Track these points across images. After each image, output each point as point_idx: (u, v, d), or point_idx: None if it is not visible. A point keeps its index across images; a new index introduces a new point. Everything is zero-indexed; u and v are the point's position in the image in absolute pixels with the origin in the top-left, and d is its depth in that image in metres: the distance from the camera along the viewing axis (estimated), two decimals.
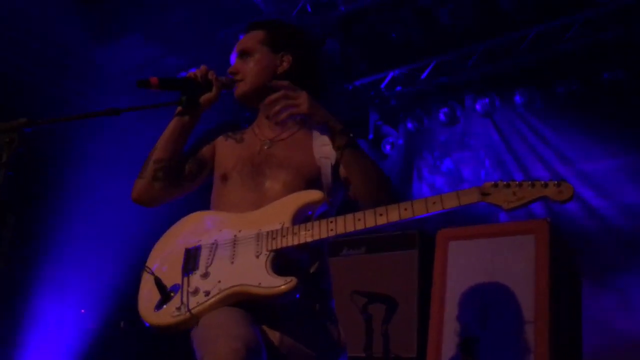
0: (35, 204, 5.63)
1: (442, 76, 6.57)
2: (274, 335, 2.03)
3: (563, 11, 5.68)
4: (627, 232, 5.82)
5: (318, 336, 2.13)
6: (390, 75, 6.76)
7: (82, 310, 5.97)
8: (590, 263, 5.15)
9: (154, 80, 2.16)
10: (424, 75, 6.63)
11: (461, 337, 3.42)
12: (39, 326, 5.83)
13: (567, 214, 6.06)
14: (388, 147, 7.23)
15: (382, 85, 6.89)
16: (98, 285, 5.98)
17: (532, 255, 3.44)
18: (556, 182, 1.82)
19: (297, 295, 1.98)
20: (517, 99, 6.41)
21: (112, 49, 6.32)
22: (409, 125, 7.06)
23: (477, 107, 6.60)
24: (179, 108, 2.29)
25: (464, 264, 3.63)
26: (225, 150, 2.37)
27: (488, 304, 3.44)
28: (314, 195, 2.11)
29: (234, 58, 2.42)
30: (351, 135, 2.18)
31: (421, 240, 4.03)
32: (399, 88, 6.84)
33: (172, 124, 2.29)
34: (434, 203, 1.92)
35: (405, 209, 1.94)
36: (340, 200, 2.31)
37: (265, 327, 2.02)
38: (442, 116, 6.81)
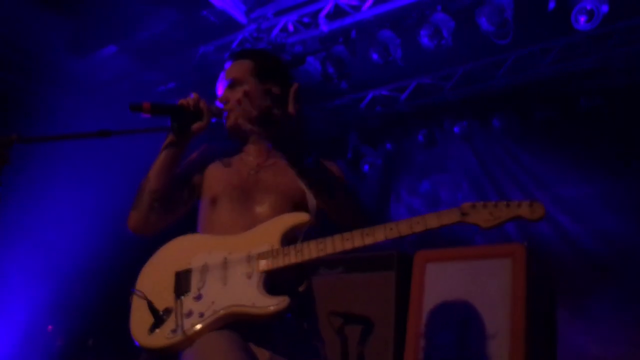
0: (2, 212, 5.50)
1: (422, 98, 6.62)
2: (264, 355, 2.05)
3: (541, 37, 5.77)
4: (599, 257, 5.89)
5: (307, 354, 2.18)
6: (370, 95, 6.79)
7: (49, 327, 5.85)
8: (563, 286, 5.19)
9: (146, 105, 2.16)
10: (403, 97, 6.66)
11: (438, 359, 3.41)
12: (4, 342, 5.68)
13: (542, 237, 6.11)
14: (367, 166, 7.24)
15: (362, 105, 6.91)
16: (66, 302, 5.85)
17: (509, 278, 3.44)
18: (529, 202, 1.94)
19: (289, 315, 2.04)
20: (495, 123, 6.49)
21: (88, 61, 6.25)
22: (388, 145, 7.09)
23: (456, 129, 6.66)
24: (170, 136, 2.29)
25: (442, 286, 3.63)
26: (214, 175, 2.41)
27: (465, 326, 3.44)
28: (301, 217, 2.18)
29: (221, 86, 2.45)
30: (306, 162, 2.10)
31: (399, 261, 3.99)
32: (378, 108, 6.87)
33: (164, 153, 2.28)
34: (417, 223, 2.00)
35: (391, 229, 2.01)
36: (325, 220, 2.33)
37: (255, 347, 2.05)
38: (420, 138, 6.86)
